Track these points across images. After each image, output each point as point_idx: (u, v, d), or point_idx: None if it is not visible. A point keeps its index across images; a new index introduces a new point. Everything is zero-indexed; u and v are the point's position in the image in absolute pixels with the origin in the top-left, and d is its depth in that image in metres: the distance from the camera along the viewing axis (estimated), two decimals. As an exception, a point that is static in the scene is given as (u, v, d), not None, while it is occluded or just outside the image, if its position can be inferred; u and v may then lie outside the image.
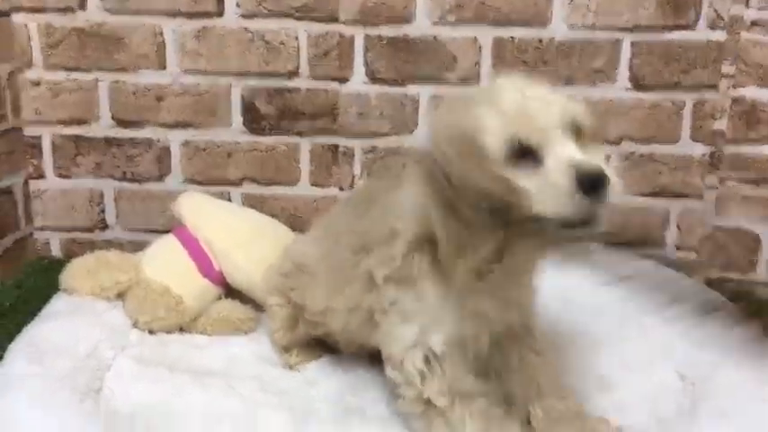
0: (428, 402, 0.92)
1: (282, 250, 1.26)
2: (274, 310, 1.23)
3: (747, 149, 1.56)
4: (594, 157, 0.82)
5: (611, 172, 0.80)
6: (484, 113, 0.82)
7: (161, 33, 1.53)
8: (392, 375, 0.96)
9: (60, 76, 1.56)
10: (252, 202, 1.62)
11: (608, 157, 0.86)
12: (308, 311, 1.15)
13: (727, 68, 1.52)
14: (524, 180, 0.80)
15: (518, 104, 0.83)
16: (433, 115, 0.91)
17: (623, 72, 1.54)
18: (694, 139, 1.56)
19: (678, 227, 1.61)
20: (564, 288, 1.39)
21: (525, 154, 0.81)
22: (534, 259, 0.94)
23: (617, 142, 1.57)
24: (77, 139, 1.60)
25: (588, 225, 0.80)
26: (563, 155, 0.80)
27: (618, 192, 0.80)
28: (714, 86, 1.53)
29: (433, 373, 0.92)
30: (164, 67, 1.56)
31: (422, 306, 0.92)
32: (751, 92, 1.53)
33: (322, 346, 1.24)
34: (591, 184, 0.78)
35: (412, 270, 0.91)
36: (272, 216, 1.51)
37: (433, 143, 0.87)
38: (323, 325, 1.13)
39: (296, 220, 1.60)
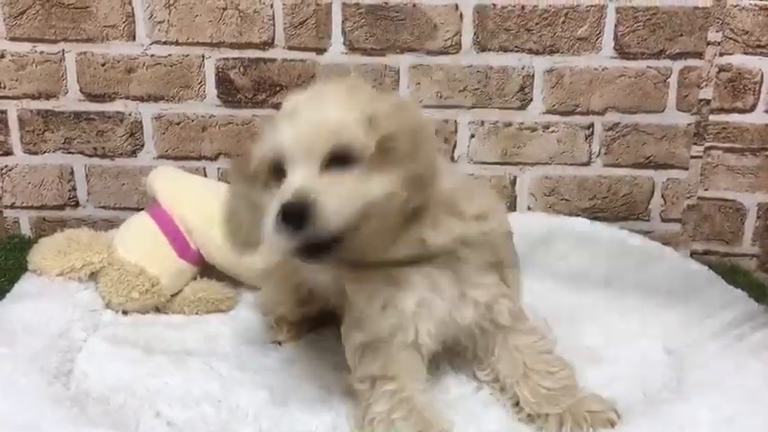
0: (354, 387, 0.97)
1: None
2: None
3: (733, 118, 1.53)
4: (321, 185, 0.80)
5: (327, 200, 0.78)
6: (263, 125, 0.87)
7: (129, 2, 1.47)
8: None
9: (25, 47, 1.50)
10: (229, 178, 1.57)
11: (383, 194, 0.83)
12: None
13: (713, 35, 1.49)
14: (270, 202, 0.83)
15: (279, 121, 0.85)
16: None
17: (608, 40, 1.50)
18: (680, 108, 1.53)
19: (663, 198, 1.59)
20: (548, 263, 1.38)
21: (283, 174, 0.84)
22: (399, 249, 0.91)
23: (601, 113, 1.54)
24: (45, 113, 1.54)
25: (311, 256, 0.83)
26: (286, 185, 0.82)
27: (335, 221, 0.79)
28: (700, 54, 1.50)
29: (362, 361, 0.95)
30: (133, 38, 1.50)
31: (347, 303, 0.96)
32: (737, 59, 1.50)
33: (309, 323, 1.22)
34: (286, 218, 0.79)
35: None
36: (250, 192, 1.47)
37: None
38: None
39: (274, 196, 1.56)
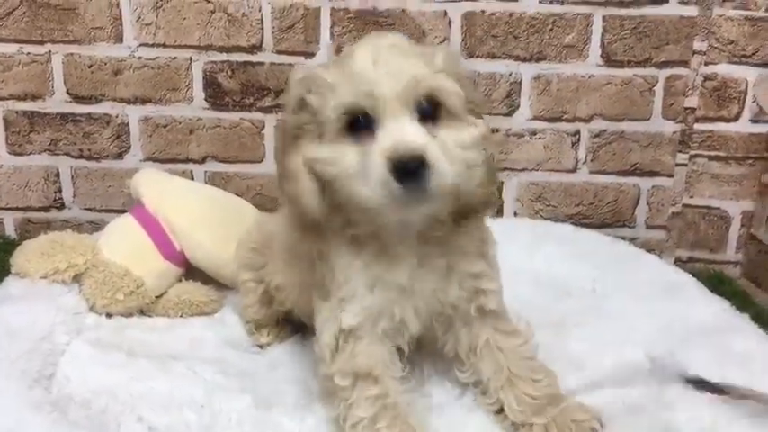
0: (332, 380, 0.91)
1: (252, 224, 1.23)
2: (248, 286, 1.19)
3: (718, 127, 1.55)
4: (428, 138, 0.78)
5: (438, 155, 0.76)
6: (327, 75, 0.81)
7: (117, 4, 1.47)
8: (315, 350, 0.95)
9: (12, 48, 1.50)
10: (216, 181, 1.57)
11: (479, 138, 0.83)
12: (270, 287, 1.13)
13: (699, 45, 1.50)
14: (351, 155, 0.79)
15: (363, 70, 0.79)
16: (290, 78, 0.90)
17: (595, 48, 1.51)
18: (665, 116, 1.54)
19: (648, 205, 1.60)
20: (534, 268, 1.38)
21: (366, 125, 0.79)
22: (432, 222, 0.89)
23: (588, 120, 1.55)
24: (31, 114, 1.54)
25: (412, 207, 0.78)
26: (390, 133, 0.77)
27: (445, 175, 0.76)
28: (686, 63, 1.51)
29: (342, 351, 0.90)
30: (120, 40, 1.49)
31: (334, 281, 0.90)
32: (722, 68, 1.51)
33: (293, 325, 1.21)
34: (403, 169, 0.74)
35: (323, 246, 0.90)
36: (238, 195, 1.47)
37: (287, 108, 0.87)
38: (282, 302, 1.12)
39: (262, 199, 1.56)
